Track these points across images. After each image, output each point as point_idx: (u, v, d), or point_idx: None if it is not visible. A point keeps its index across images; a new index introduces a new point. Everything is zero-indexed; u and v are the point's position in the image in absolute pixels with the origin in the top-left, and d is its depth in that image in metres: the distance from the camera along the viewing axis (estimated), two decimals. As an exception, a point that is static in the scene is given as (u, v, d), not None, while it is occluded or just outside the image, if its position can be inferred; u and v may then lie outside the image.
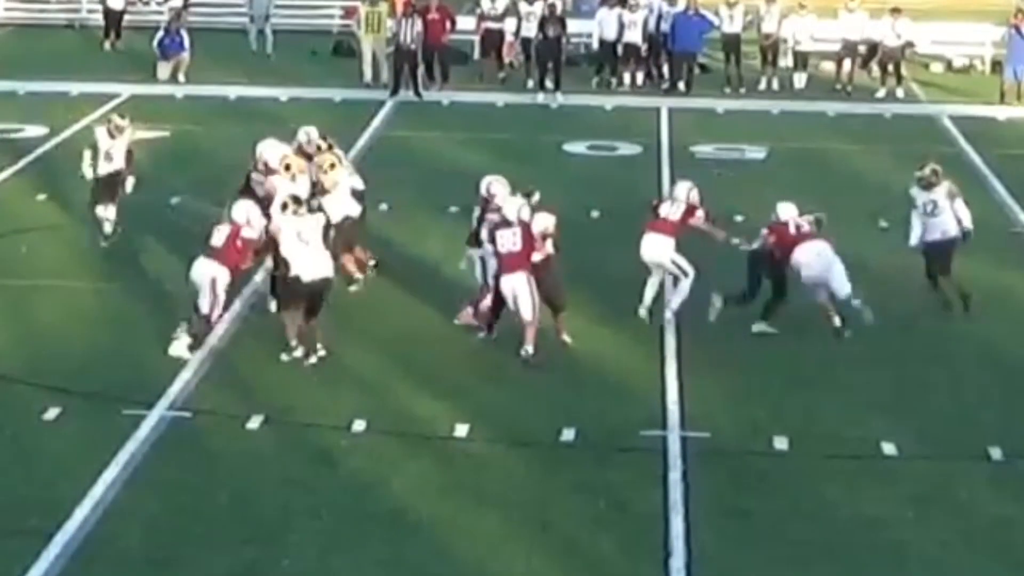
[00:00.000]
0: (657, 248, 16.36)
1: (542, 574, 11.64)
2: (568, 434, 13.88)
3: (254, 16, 32.44)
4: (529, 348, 15.32)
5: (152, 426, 13.84)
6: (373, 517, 12.34)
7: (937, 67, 31.92)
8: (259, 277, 17.02)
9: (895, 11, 29.29)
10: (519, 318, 15.42)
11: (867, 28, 29.56)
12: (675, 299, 16.44)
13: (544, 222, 15.73)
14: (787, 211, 16.35)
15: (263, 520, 12.26)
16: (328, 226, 15.91)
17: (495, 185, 16.43)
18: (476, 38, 30.66)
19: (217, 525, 12.20)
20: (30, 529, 11.88)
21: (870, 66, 29.87)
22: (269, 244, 15.84)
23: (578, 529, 12.22)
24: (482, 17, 30.12)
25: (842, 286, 15.99)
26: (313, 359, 15.40)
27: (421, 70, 28.45)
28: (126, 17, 32.86)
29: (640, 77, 29.51)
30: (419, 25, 28.10)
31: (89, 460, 13.02)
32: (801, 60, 29.62)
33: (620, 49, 29.17)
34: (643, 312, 16.42)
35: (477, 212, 16.46)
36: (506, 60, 29.85)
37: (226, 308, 15.98)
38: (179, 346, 15.46)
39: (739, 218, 18.34)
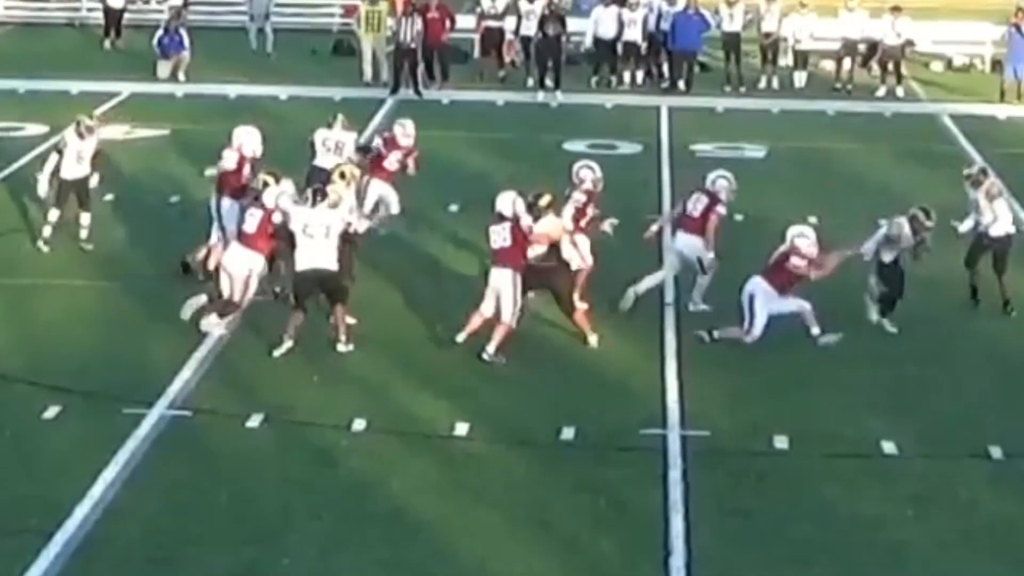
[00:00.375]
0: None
1: (542, 574, 11.64)
2: (568, 433, 13.89)
3: (254, 15, 32.46)
4: (491, 348, 15.33)
5: (152, 425, 13.84)
6: (373, 517, 12.34)
7: (937, 66, 31.95)
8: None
9: (895, 10, 29.32)
10: (496, 315, 15.42)
11: (867, 27, 29.60)
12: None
13: (548, 227, 15.70)
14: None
15: (263, 520, 12.26)
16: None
17: (584, 170, 16.85)
18: (476, 37, 30.68)
19: (217, 525, 12.20)
20: (30, 528, 11.88)
21: (870, 65, 29.91)
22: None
23: (578, 529, 12.22)
24: (482, 16, 30.16)
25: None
26: (341, 348, 15.54)
27: (421, 69, 28.46)
28: (126, 16, 32.93)
29: (640, 76, 29.53)
30: (419, 24, 28.12)
31: (89, 459, 13.02)
32: (801, 59, 29.64)
33: (620, 48, 29.20)
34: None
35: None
36: (506, 59, 29.87)
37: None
38: (209, 322, 15.69)
39: (739, 217, 18.34)
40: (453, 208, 20.25)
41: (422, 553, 11.82)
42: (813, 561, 11.87)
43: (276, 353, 15.40)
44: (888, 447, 13.73)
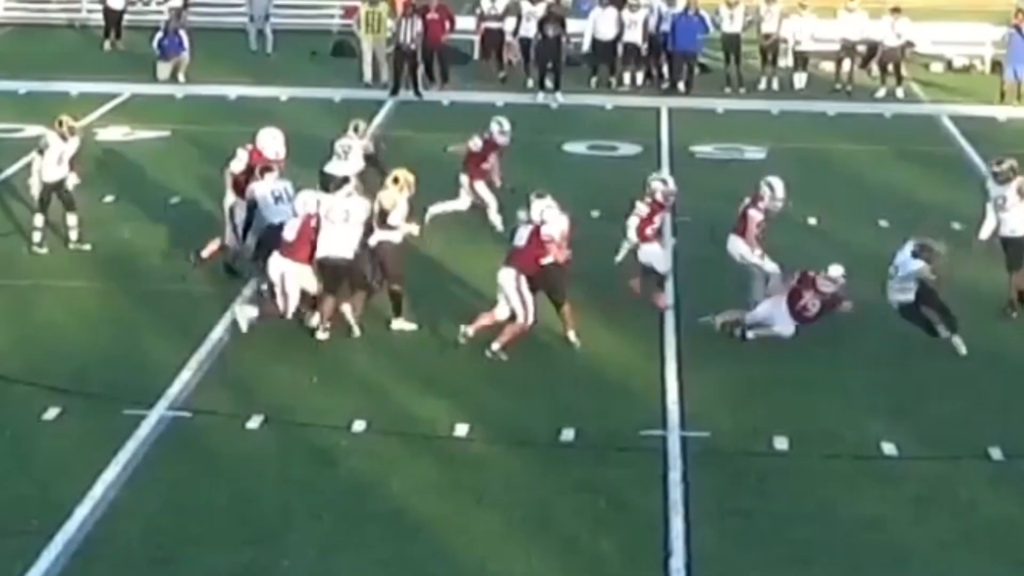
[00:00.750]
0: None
1: (542, 574, 11.64)
2: (568, 434, 13.88)
3: (254, 16, 32.46)
4: (496, 345, 15.37)
5: (152, 426, 13.84)
6: (373, 517, 12.34)
7: (937, 67, 31.94)
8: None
9: (895, 11, 29.31)
10: (511, 316, 15.43)
11: (867, 28, 29.59)
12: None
13: (556, 226, 15.75)
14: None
15: (263, 520, 12.26)
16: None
17: (656, 182, 17.11)
18: (476, 38, 30.68)
19: (217, 525, 12.20)
20: (30, 529, 11.87)
21: (870, 66, 29.90)
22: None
23: (578, 529, 12.22)
24: (482, 17, 30.15)
25: None
26: (356, 333, 15.81)
27: (421, 70, 28.45)
28: (126, 17, 32.91)
29: (640, 77, 29.52)
30: (419, 25, 28.10)
31: (89, 460, 13.02)
32: (801, 60, 29.63)
33: (620, 49, 29.20)
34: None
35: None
36: (507, 60, 29.86)
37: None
38: (246, 312, 15.82)
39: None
40: (453, 209, 20.19)
41: (422, 553, 11.82)
42: (813, 561, 11.87)
43: (320, 336, 15.74)
44: (888, 448, 13.72)
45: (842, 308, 15.93)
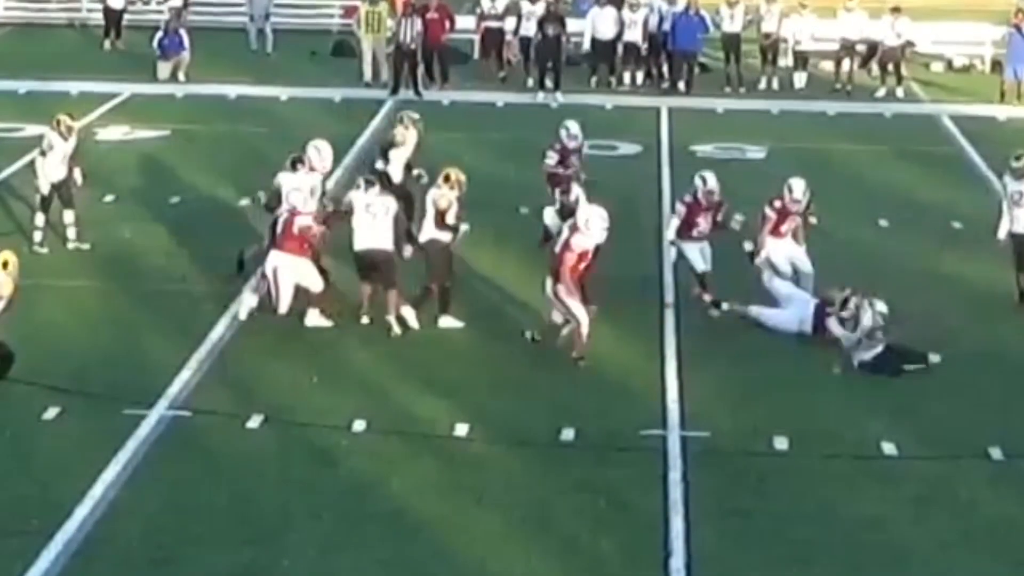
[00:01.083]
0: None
1: (542, 574, 11.63)
2: (568, 434, 13.88)
3: (254, 15, 32.47)
4: (575, 353, 15.40)
5: (152, 426, 13.84)
6: (373, 517, 12.34)
7: (937, 67, 31.93)
8: (256, 279, 17.01)
9: (895, 10, 29.31)
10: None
11: (867, 28, 29.58)
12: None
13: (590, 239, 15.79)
14: None
15: (263, 520, 12.26)
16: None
17: (696, 180, 17.01)
18: (476, 37, 30.68)
19: (217, 525, 12.19)
20: (30, 529, 11.87)
21: (870, 65, 29.89)
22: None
23: (578, 529, 12.21)
24: (482, 16, 30.14)
25: None
26: (396, 329, 15.99)
27: (421, 69, 28.45)
28: (126, 16, 32.89)
29: (640, 77, 29.52)
30: (419, 25, 28.10)
31: (89, 460, 13.02)
32: (801, 60, 29.62)
33: (620, 48, 29.20)
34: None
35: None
36: (507, 59, 29.85)
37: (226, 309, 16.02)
38: (313, 316, 16.10)
39: (739, 217, 18.29)
40: (453, 208, 20.15)
41: (422, 553, 11.82)
42: (813, 561, 11.87)
43: (363, 320, 16.05)
44: (888, 448, 13.72)
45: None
